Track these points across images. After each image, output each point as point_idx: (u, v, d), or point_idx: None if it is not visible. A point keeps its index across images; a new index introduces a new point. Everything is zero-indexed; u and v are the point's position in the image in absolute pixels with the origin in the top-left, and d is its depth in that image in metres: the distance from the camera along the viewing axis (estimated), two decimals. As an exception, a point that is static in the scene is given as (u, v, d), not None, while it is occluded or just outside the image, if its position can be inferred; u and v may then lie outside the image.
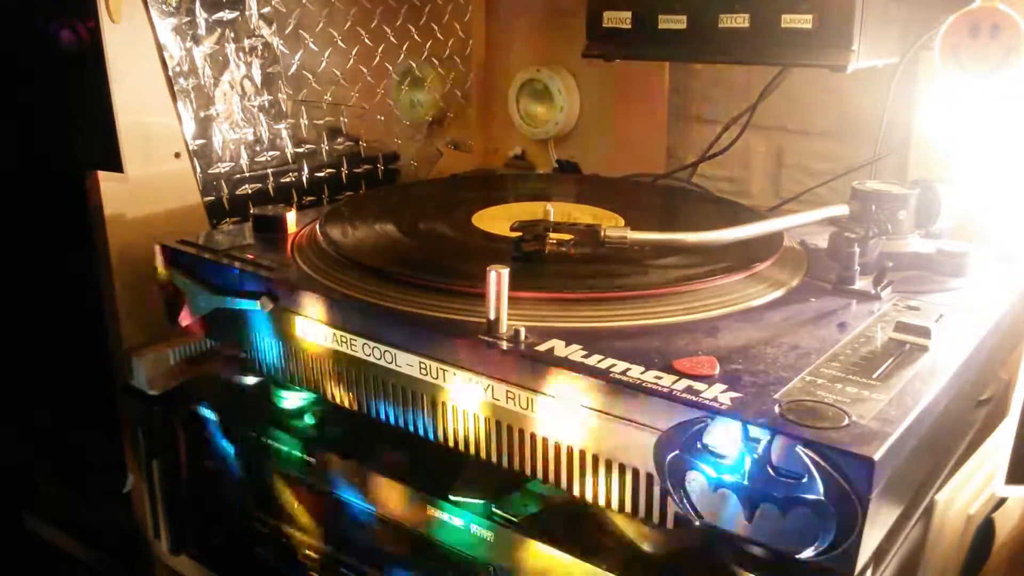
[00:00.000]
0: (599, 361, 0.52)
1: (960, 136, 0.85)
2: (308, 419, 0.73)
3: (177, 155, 0.89)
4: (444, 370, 0.57)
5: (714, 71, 1.12)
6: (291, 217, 0.79)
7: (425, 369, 0.58)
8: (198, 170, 0.91)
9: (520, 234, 0.69)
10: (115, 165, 0.81)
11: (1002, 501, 0.66)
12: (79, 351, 0.98)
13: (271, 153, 0.98)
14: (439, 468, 0.63)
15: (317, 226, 0.77)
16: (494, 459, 0.57)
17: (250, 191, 0.96)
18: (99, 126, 0.81)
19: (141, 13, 0.83)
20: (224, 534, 0.81)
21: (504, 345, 0.55)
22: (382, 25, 1.11)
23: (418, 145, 1.21)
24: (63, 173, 0.88)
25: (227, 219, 0.94)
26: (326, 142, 1.05)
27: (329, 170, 1.06)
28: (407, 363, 0.59)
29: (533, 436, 0.54)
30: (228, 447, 0.76)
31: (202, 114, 0.90)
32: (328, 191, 1.06)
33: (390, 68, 1.14)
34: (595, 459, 0.52)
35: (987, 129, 0.83)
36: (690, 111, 1.15)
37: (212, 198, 0.92)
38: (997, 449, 0.61)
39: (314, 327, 0.65)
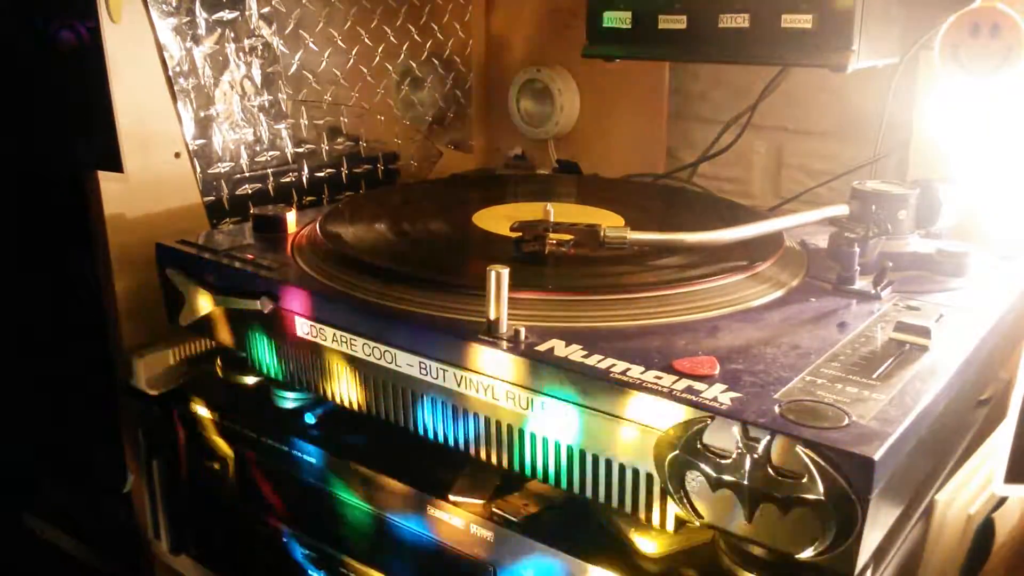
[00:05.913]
0: (599, 361, 0.52)
1: (960, 136, 0.85)
2: (308, 419, 0.73)
3: (177, 155, 0.89)
4: (444, 370, 0.57)
5: (714, 71, 1.12)
6: (291, 217, 0.80)
7: (425, 369, 0.58)
8: (198, 170, 0.91)
9: (520, 234, 0.69)
10: (115, 165, 0.81)
11: (1002, 501, 0.66)
12: (79, 351, 0.98)
13: (271, 153, 0.98)
14: (439, 468, 0.63)
15: (317, 226, 0.77)
16: (494, 459, 0.57)
17: (250, 191, 0.96)
18: (99, 126, 0.81)
19: (141, 13, 0.83)
20: (224, 534, 0.81)
21: (504, 345, 0.55)
22: (382, 25, 1.11)
23: (418, 145, 1.21)
24: (63, 173, 0.88)
25: (227, 219, 0.94)
26: (326, 142, 1.05)
27: (329, 170, 1.06)
28: (407, 363, 0.59)
29: (533, 436, 0.54)
30: (228, 447, 0.76)
31: (202, 114, 0.90)
32: (328, 191, 1.06)
33: (390, 68, 1.14)
34: (595, 459, 0.52)
35: (987, 129, 0.83)
36: (690, 111, 1.15)
37: (212, 198, 0.92)
38: (997, 449, 0.61)
39: (314, 327, 0.65)
